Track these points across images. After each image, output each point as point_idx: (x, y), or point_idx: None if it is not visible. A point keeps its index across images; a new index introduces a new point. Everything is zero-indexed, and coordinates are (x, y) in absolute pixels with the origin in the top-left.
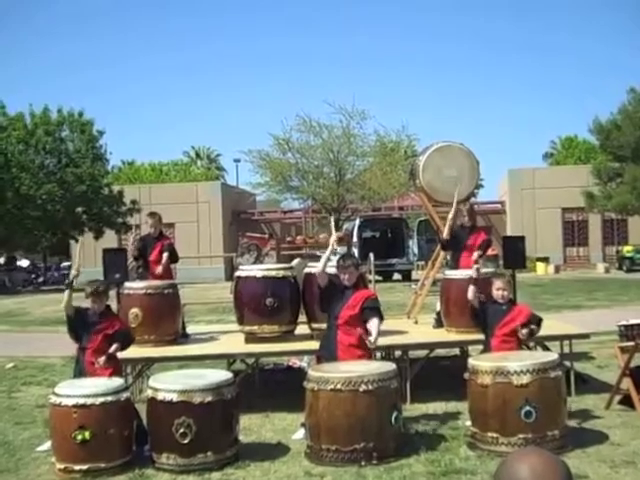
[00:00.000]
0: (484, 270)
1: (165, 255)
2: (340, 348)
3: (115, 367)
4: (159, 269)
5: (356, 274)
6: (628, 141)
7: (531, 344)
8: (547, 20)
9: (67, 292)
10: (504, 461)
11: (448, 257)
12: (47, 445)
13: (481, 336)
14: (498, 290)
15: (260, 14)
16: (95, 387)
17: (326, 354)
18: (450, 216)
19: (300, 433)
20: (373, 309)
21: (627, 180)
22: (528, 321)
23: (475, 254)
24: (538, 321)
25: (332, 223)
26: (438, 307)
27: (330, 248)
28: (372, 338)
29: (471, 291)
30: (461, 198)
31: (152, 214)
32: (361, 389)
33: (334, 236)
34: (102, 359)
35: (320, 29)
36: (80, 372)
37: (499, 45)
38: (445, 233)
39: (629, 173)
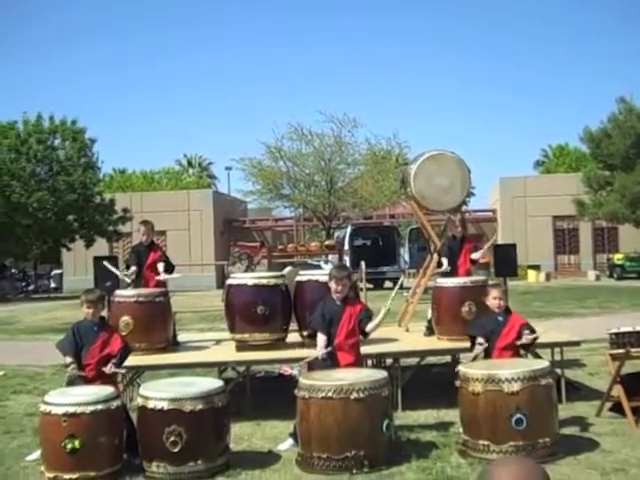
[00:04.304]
0: (478, 278)
1: (161, 266)
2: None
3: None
4: (161, 277)
5: (348, 286)
6: (618, 150)
7: (522, 351)
8: (539, 29)
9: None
10: (485, 470)
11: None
12: (36, 454)
13: None
14: (495, 299)
15: (252, 24)
16: (85, 395)
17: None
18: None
19: (287, 443)
20: (366, 318)
21: (617, 188)
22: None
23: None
24: (532, 330)
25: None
26: (429, 315)
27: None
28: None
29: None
30: (453, 206)
31: (145, 222)
32: (352, 397)
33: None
34: (109, 367)
35: (311, 38)
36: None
37: (490, 53)
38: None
39: (619, 181)
